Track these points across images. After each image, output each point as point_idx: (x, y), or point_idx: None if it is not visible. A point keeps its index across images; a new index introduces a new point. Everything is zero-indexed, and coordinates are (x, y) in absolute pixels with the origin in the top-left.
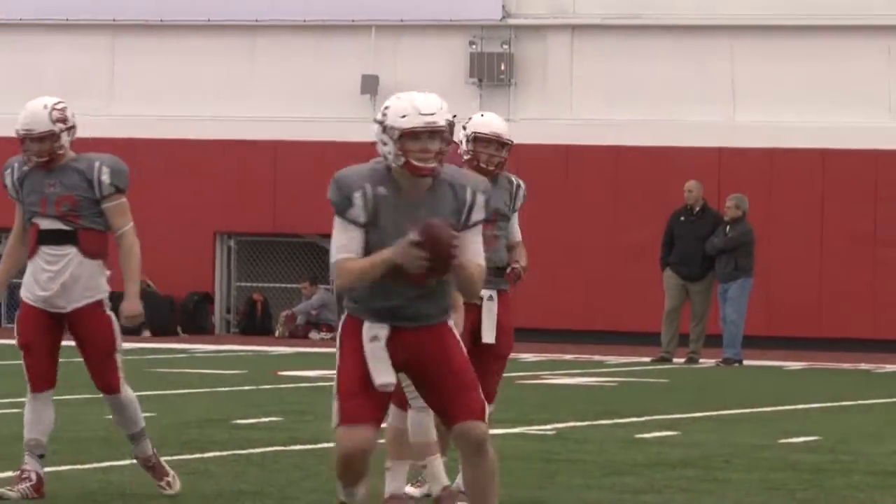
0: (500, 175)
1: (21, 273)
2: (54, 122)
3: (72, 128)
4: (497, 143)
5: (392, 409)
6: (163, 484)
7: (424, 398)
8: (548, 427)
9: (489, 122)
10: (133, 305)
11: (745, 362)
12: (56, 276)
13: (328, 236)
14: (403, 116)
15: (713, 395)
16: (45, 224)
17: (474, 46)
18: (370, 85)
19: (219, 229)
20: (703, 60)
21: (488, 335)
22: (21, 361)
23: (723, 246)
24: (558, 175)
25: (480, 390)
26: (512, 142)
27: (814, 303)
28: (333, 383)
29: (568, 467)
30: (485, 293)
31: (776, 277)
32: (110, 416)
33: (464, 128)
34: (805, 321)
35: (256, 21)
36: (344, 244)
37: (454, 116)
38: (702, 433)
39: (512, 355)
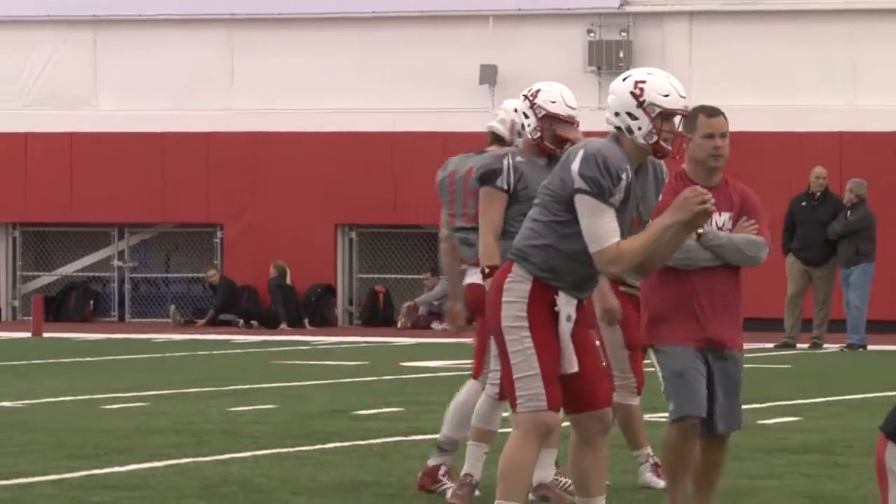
0: None
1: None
2: None
3: None
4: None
5: None
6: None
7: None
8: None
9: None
10: None
11: (870, 347)
12: None
13: None
14: (666, 96)
15: (836, 381)
16: None
17: (592, 34)
18: (489, 75)
19: (340, 221)
20: (823, 45)
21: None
22: None
23: (843, 231)
24: (679, 161)
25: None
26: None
27: None
28: (519, 359)
29: None
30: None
31: None
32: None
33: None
34: None
35: (373, 13)
36: (610, 227)
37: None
38: (824, 419)
39: None
